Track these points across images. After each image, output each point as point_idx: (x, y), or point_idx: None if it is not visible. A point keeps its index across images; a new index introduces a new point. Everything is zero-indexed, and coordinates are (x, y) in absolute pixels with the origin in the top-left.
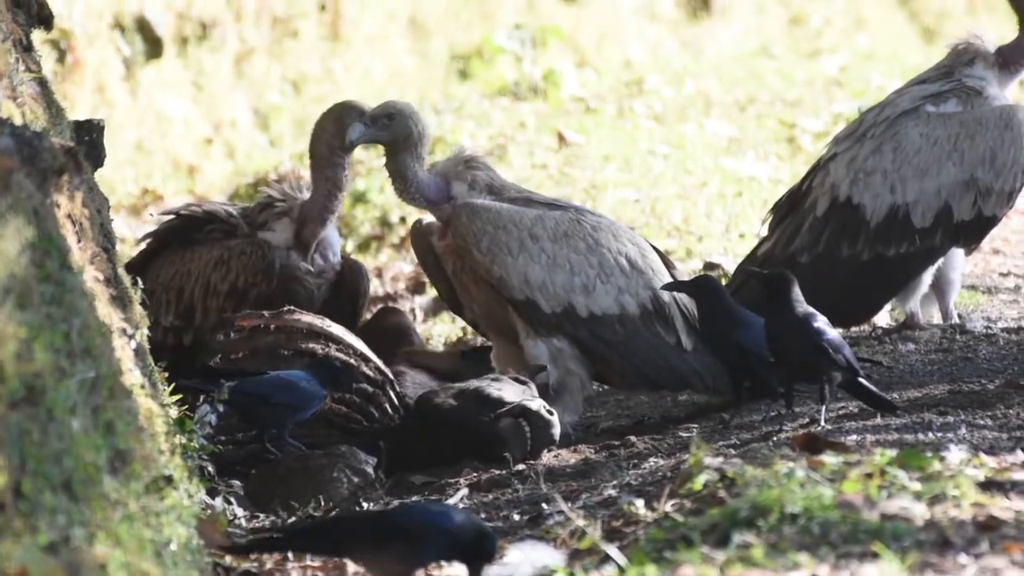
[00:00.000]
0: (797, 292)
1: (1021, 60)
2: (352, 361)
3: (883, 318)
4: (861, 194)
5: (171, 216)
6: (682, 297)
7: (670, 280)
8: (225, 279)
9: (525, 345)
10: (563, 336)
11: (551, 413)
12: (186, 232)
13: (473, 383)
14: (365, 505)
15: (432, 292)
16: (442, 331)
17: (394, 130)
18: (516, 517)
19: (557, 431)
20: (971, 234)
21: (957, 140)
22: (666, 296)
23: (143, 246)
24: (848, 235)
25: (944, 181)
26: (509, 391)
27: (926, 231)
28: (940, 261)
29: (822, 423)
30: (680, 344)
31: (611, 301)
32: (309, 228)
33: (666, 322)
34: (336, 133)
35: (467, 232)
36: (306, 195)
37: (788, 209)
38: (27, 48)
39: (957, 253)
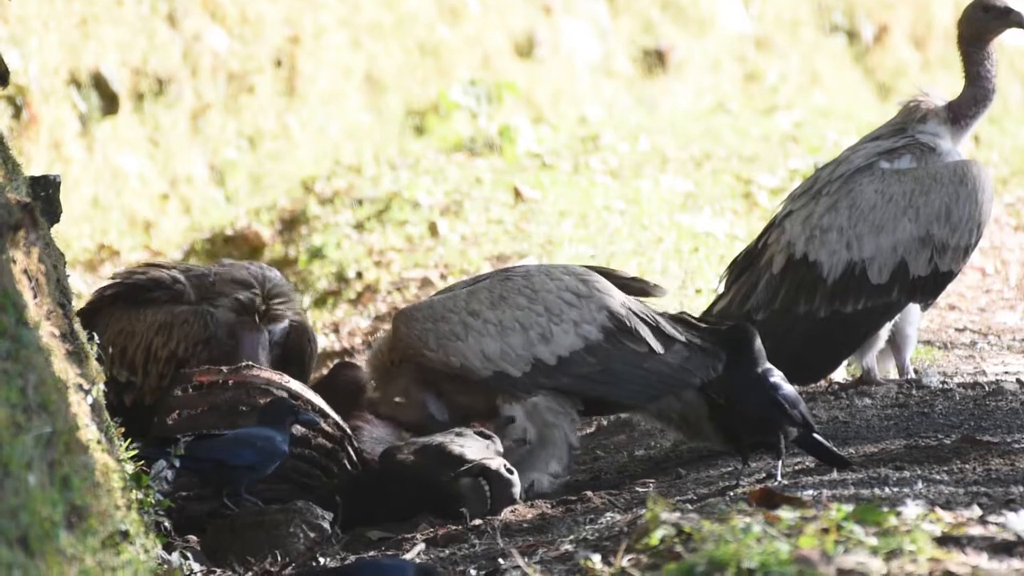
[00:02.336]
0: (759, 347)
1: (969, 113)
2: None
3: (840, 373)
4: (817, 251)
5: (113, 281)
6: (636, 305)
7: (619, 293)
8: (166, 346)
9: (501, 410)
10: (541, 392)
11: (511, 472)
12: (132, 292)
13: (436, 438)
14: (321, 560)
15: None
16: None
17: None
18: (473, 572)
19: (517, 490)
20: (928, 290)
21: (912, 196)
22: (622, 310)
23: (83, 304)
24: (805, 292)
25: (900, 237)
26: (471, 448)
27: (883, 287)
28: (897, 317)
29: (778, 478)
30: (652, 350)
31: (572, 338)
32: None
33: (632, 334)
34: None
35: (411, 339)
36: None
37: (744, 266)
38: None
39: (913, 309)
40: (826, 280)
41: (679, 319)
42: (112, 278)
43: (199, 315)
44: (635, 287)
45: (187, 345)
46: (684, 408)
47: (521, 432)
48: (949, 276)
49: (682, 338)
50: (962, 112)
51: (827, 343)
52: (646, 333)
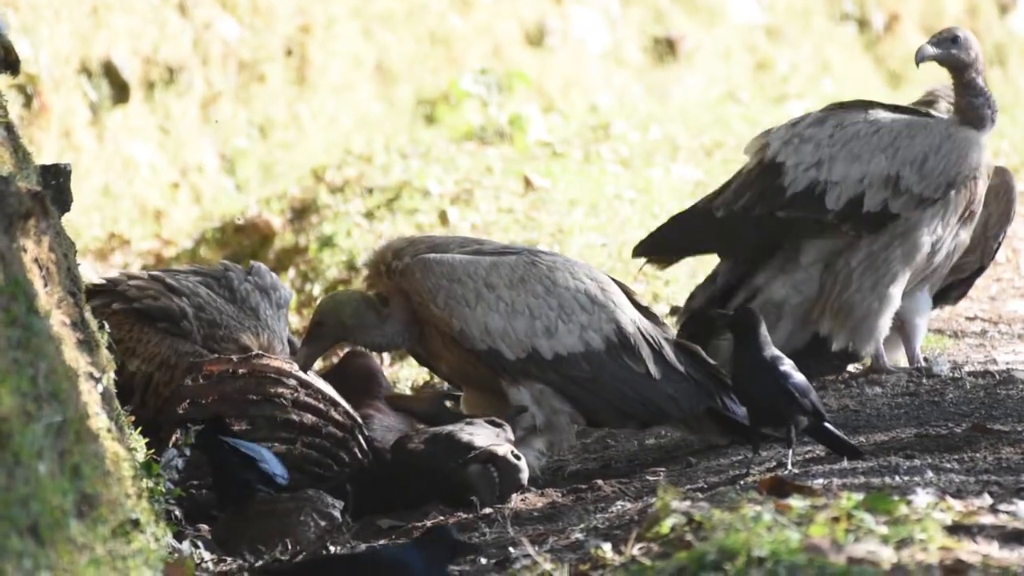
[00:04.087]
0: (764, 332)
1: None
2: (321, 406)
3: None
4: (788, 157)
5: (117, 287)
6: (646, 325)
7: (632, 310)
8: (167, 386)
9: (508, 393)
10: (536, 380)
11: (518, 458)
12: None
13: (447, 428)
14: (332, 548)
15: None
16: (409, 374)
17: (332, 337)
18: (483, 561)
19: (525, 475)
20: (868, 227)
21: (898, 137)
22: (630, 327)
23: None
24: (766, 199)
25: (871, 169)
26: (481, 435)
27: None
28: (905, 305)
29: (789, 467)
30: (649, 374)
31: (575, 340)
32: None
33: (633, 353)
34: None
35: (422, 288)
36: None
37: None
38: None
39: (923, 298)
40: (786, 191)
41: (685, 348)
42: (118, 283)
43: (200, 363)
44: (646, 315)
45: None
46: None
47: (531, 419)
48: (894, 218)
49: (681, 369)
50: (967, 122)
51: (743, 234)
52: (647, 356)
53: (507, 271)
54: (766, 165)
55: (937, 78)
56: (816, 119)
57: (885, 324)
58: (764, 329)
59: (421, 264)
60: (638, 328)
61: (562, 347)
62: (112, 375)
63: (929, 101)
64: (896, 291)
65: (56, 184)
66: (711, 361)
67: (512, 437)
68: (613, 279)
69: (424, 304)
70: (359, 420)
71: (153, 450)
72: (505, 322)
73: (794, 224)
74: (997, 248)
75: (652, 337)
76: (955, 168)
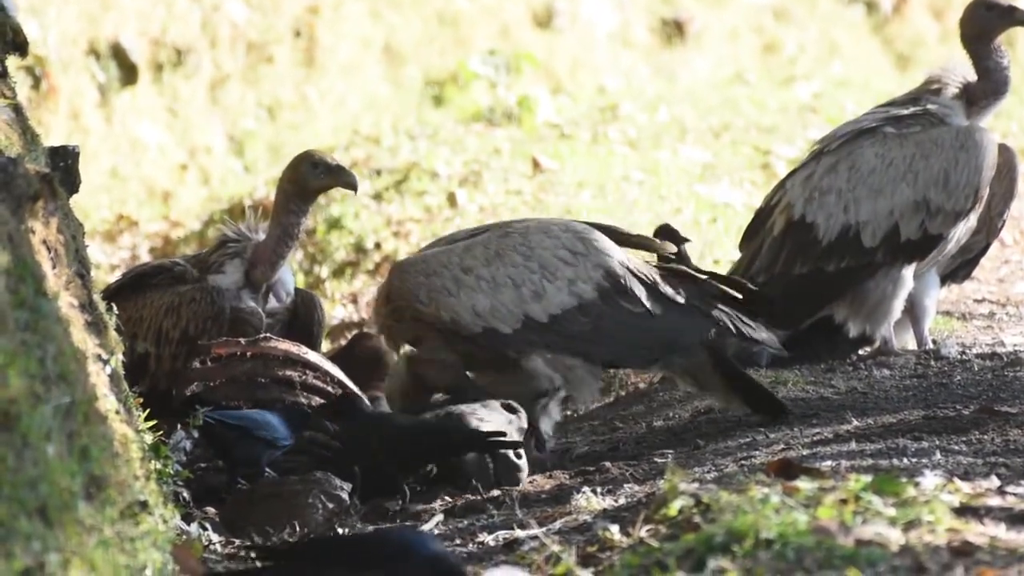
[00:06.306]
0: (365, 405)
1: (982, 104)
2: (329, 388)
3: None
4: (815, 213)
5: (119, 280)
6: (636, 263)
7: (619, 252)
8: (176, 326)
9: (520, 365)
10: (539, 346)
11: (520, 456)
12: (136, 279)
13: (460, 408)
14: (340, 531)
15: None
16: None
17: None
18: (491, 543)
19: (524, 474)
20: (914, 253)
21: (912, 161)
22: (619, 269)
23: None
24: (801, 255)
25: (897, 201)
26: (491, 421)
27: (872, 250)
28: (913, 288)
29: (402, 503)
30: (648, 311)
31: (565, 296)
32: (259, 270)
33: (627, 294)
34: (293, 180)
35: (404, 291)
36: (262, 236)
37: (755, 229)
38: (1, 74)
39: (932, 279)
40: (821, 242)
41: (678, 273)
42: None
43: (204, 291)
44: (639, 244)
45: (197, 322)
46: (689, 363)
47: (547, 383)
48: (938, 239)
49: (679, 299)
50: (976, 99)
51: (805, 297)
52: (641, 293)
53: (480, 251)
54: (795, 224)
55: (942, 62)
56: (828, 167)
57: (898, 306)
58: (365, 403)
59: (397, 270)
60: (628, 268)
61: (554, 307)
62: (120, 356)
63: (936, 89)
64: (908, 273)
65: (64, 166)
66: (704, 277)
67: (524, 425)
68: (595, 224)
69: (411, 305)
70: (367, 402)
71: (162, 432)
72: (491, 299)
73: (845, 275)
74: (1002, 226)
75: (644, 274)
76: (976, 175)
